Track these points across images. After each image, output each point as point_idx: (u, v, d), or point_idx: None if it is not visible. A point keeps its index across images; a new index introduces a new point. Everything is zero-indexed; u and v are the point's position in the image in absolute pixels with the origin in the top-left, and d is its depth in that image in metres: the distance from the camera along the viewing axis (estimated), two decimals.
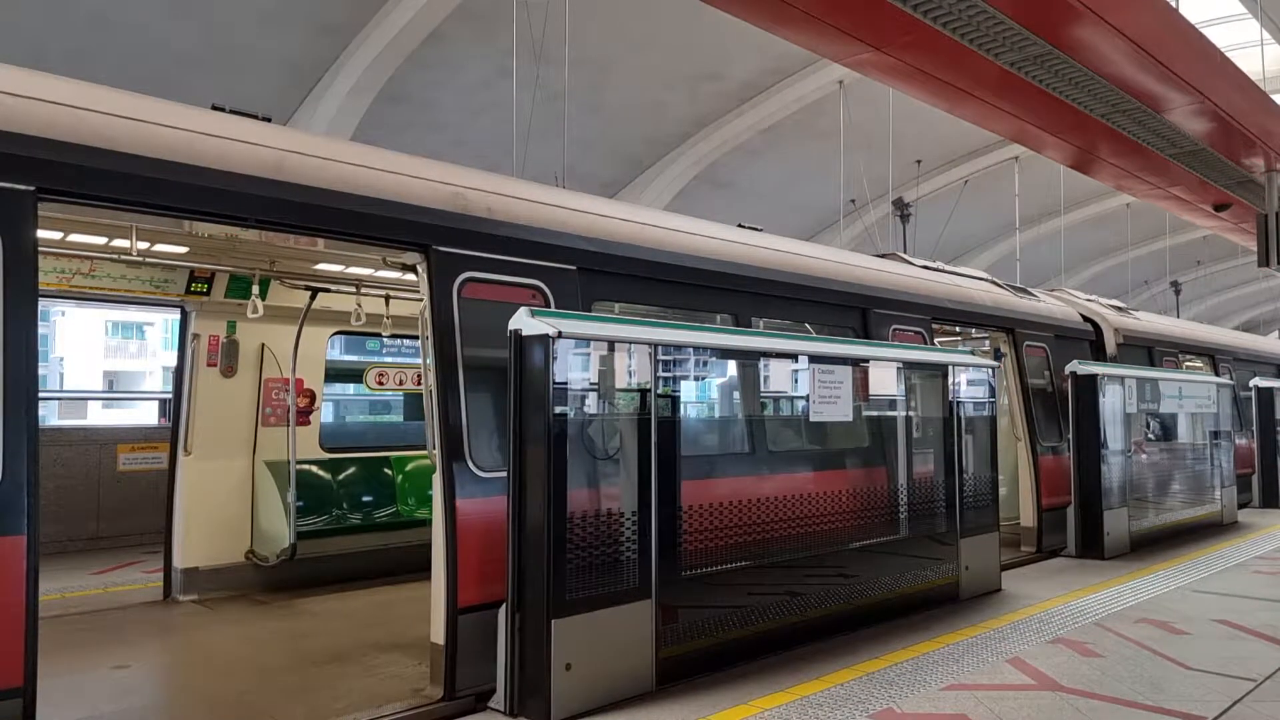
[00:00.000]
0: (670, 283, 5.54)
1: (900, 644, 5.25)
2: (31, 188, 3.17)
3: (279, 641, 5.35)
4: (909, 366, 6.45)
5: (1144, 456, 9.22)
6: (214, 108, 4.20)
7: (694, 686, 4.46)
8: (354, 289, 6.66)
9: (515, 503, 4.07)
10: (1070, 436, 8.42)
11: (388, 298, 6.82)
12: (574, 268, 4.95)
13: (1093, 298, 11.75)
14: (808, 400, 5.43)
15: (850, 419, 5.68)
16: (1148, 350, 11.37)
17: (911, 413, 6.57)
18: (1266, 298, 34.72)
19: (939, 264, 9.11)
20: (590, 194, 6.03)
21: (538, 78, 9.57)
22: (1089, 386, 8.41)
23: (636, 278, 5.38)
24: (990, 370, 7.00)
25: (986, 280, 9.61)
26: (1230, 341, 14.37)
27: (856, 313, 6.92)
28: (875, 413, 6.26)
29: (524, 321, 4.24)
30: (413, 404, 9.49)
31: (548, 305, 4.72)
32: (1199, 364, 12.70)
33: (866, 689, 4.42)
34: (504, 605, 4.05)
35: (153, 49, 10.80)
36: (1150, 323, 12.02)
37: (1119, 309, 11.73)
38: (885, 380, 6.30)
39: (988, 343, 9.30)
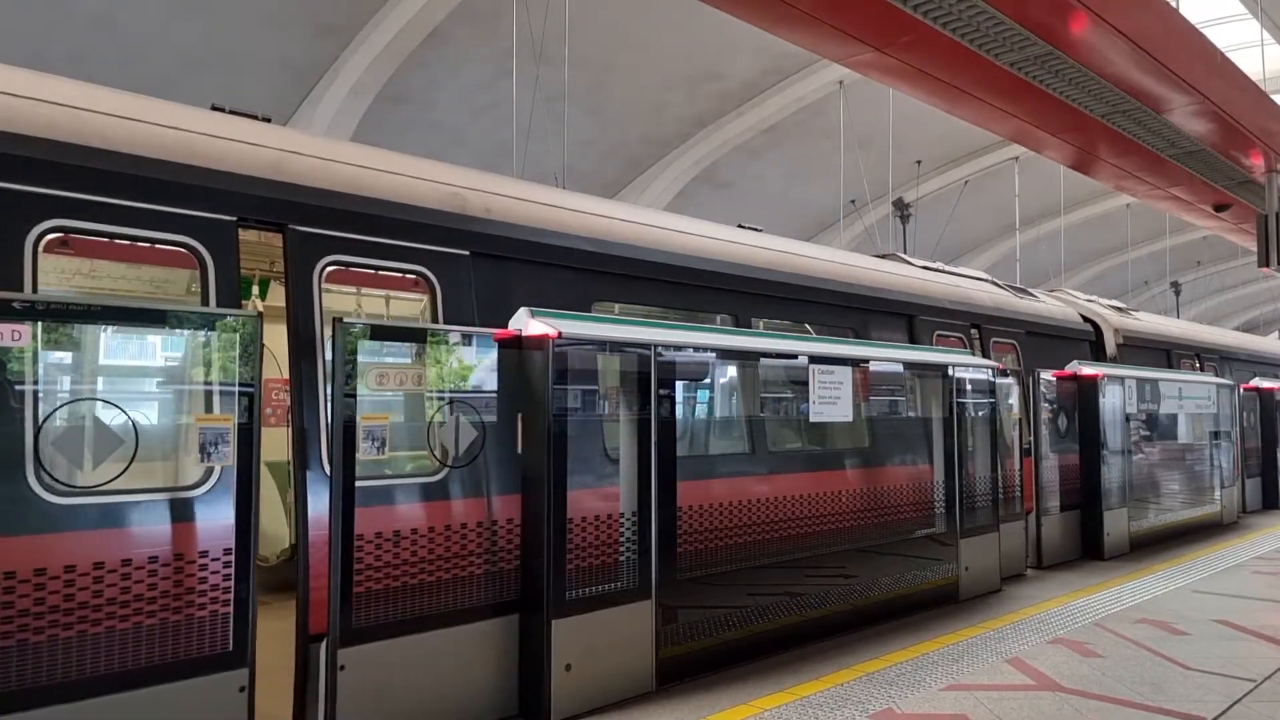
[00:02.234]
0: (656, 280, 5.33)
1: (900, 644, 5.25)
2: (233, 218, 3.72)
3: (279, 642, 5.34)
4: (909, 367, 6.45)
5: (1137, 456, 9.20)
6: (213, 108, 4.21)
7: (694, 686, 4.47)
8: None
9: (339, 522, 3.65)
10: (1032, 439, 7.93)
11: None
12: (467, 253, 4.41)
13: (1093, 298, 11.76)
14: (808, 401, 5.43)
15: (850, 420, 5.68)
16: (1166, 352, 11.38)
17: (912, 413, 6.58)
18: (1266, 298, 34.72)
19: (938, 264, 9.12)
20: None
21: (538, 78, 9.57)
22: (1090, 388, 8.42)
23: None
24: (990, 370, 7.01)
25: (986, 280, 9.62)
26: (1227, 342, 14.37)
27: (903, 319, 7.26)
28: (875, 413, 6.26)
29: (524, 321, 4.25)
30: (413, 404, 9.46)
31: (434, 295, 4.27)
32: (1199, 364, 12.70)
33: (866, 689, 4.42)
34: (325, 639, 3.62)
35: (153, 50, 10.80)
36: (1151, 323, 12.03)
37: (1119, 309, 11.74)
38: (885, 381, 6.31)
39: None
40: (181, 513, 3.31)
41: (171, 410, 3.69)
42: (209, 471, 3.36)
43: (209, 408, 3.43)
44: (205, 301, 3.63)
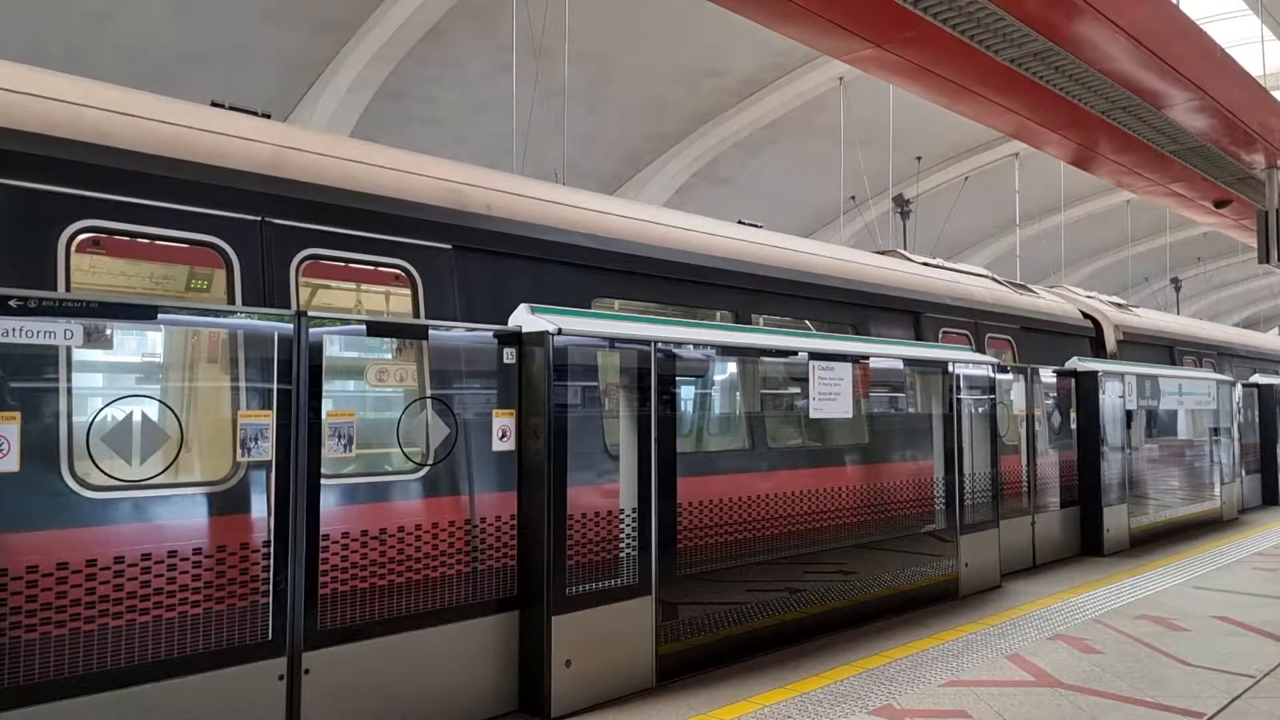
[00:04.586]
0: (651, 276, 5.32)
1: (900, 640, 5.26)
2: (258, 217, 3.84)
3: None
4: (908, 363, 6.45)
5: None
6: (213, 104, 4.20)
7: (694, 683, 4.47)
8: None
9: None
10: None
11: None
12: (449, 246, 4.36)
13: (1093, 294, 11.76)
14: (807, 397, 5.43)
15: (851, 416, 5.68)
16: (1168, 349, 11.37)
17: (912, 409, 6.58)
18: (1266, 294, 34.72)
19: (938, 260, 9.11)
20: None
21: (538, 74, 9.57)
22: (1089, 384, 8.43)
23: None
24: (991, 367, 7.01)
25: (985, 276, 9.61)
26: (1227, 339, 14.37)
27: (906, 315, 7.35)
28: (876, 410, 6.27)
29: (524, 318, 4.25)
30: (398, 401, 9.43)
31: (414, 290, 4.24)
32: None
33: (866, 685, 4.43)
34: None
35: (152, 46, 10.79)
36: (1151, 319, 12.03)
37: (1119, 305, 11.74)
38: (886, 377, 6.31)
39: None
40: (222, 505, 3.37)
41: (209, 407, 3.70)
42: (252, 465, 3.42)
43: (247, 405, 3.46)
44: (231, 300, 3.65)
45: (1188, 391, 10.00)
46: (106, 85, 3.79)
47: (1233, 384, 11.36)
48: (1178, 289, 26.93)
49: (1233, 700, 4.15)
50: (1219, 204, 11.57)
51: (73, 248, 3.37)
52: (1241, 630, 5.41)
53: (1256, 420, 12.38)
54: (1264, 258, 10.44)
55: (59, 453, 3.06)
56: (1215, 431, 10.60)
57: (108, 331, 3.21)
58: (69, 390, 3.14)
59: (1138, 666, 4.67)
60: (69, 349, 3.11)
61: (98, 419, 3.13)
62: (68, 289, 3.32)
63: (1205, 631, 5.38)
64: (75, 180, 3.36)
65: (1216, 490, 10.52)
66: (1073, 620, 5.74)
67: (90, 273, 3.85)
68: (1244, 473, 11.79)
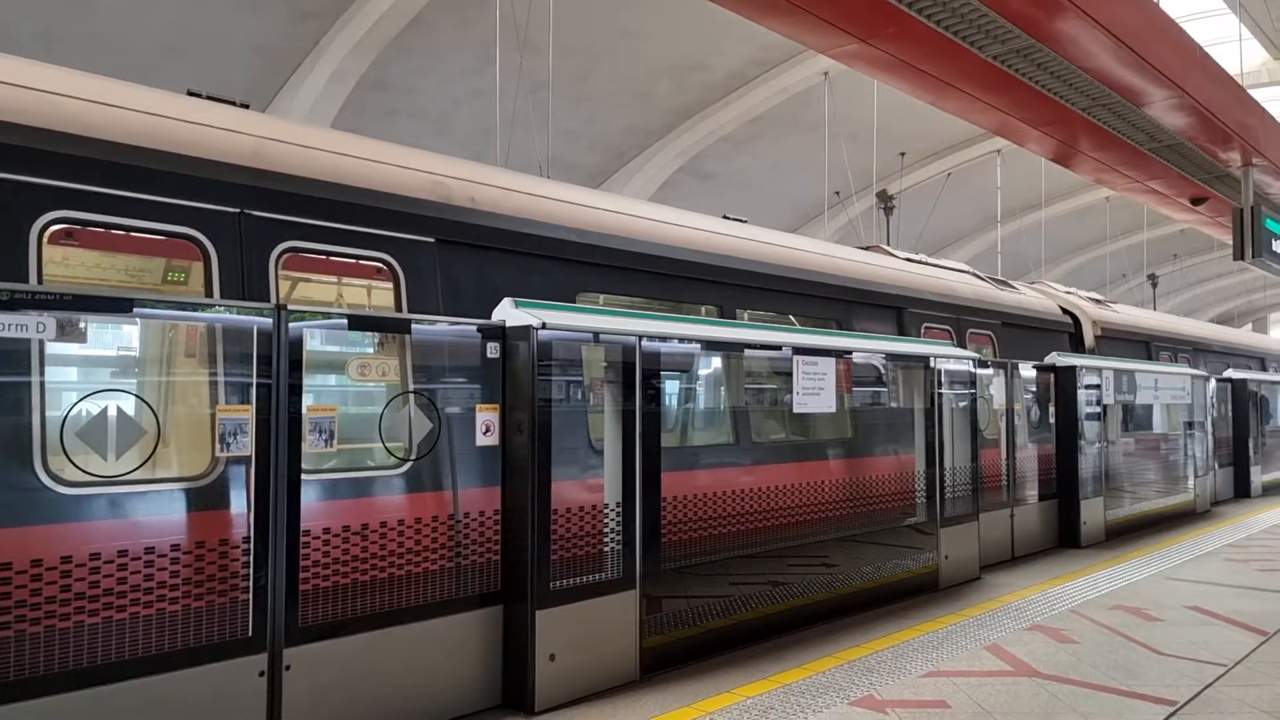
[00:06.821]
0: (641, 272, 5.31)
1: (881, 632, 5.32)
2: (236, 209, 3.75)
3: None
4: (891, 358, 6.50)
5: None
6: (189, 93, 4.12)
7: (678, 675, 4.50)
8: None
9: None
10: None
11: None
12: (433, 239, 4.35)
13: (1072, 290, 11.91)
14: (791, 392, 5.45)
15: (834, 411, 5.71)
16: (1145, 344, 11.55)
17: (894, 404, 6.64)
18: (1240, 291, 35.33)
19: (920, 256, 9.18)
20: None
21: (521, 66, 9.50)
22: (1067, 379, 8.54)
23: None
24: (971, 361, 7.08)
25: (967, 272, 9.70)
26: (1202, 334, 14.61)
27: (888, 311, 7.40)
28: (858, 404, 6.31)
29: (509, 312, 4.23)
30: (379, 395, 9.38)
31: (397, 284, 4.22)
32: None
33: (848, 676, 4.47)
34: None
35: (128, 33, 10.59)
36: (1129, 315, 12.21)
37: (1097, 301, 11.89)
38: (869, 372, 6.36)
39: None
40: (200, 501, 3.33)
41: (187, 401, 3.64)
42: (231, 461, 3.38)
43: (225, 399, 3.42)
44: (209, 293, 3.59)
45: (1164, 386, 10.16)
46: (81, 73, 3.71)
47: (1207, 378, 11.56)
48: (1154, 285, 27.33)
49: (1204, 688, 4.23)
50: (1196, 201, 11.74)
51: (45, 239, 3.30)
52: (1213, 620, 5.51)
53: (1229, 414, 12.60)
54: (1239, 254, 10.59)
55: (32, 448, 3.01)
56: (1190, 425, 10.79)
57: (81, 325, 3.14)
58: (42, 385, 3.08)
59: (1113, 656, 4.75)
60: (41, 343, 3.05)
61: (72, 414, 3.08)
62: (40, 282, 3.26)
63: (1178, 621, 5.48)
64: (47, 170, 3.29)
65: (1190, 483, 10.70)
66: (1050, 611, 5.82)
67: (63, 265, 3.78)
68: (1217, 466, 12.00)
